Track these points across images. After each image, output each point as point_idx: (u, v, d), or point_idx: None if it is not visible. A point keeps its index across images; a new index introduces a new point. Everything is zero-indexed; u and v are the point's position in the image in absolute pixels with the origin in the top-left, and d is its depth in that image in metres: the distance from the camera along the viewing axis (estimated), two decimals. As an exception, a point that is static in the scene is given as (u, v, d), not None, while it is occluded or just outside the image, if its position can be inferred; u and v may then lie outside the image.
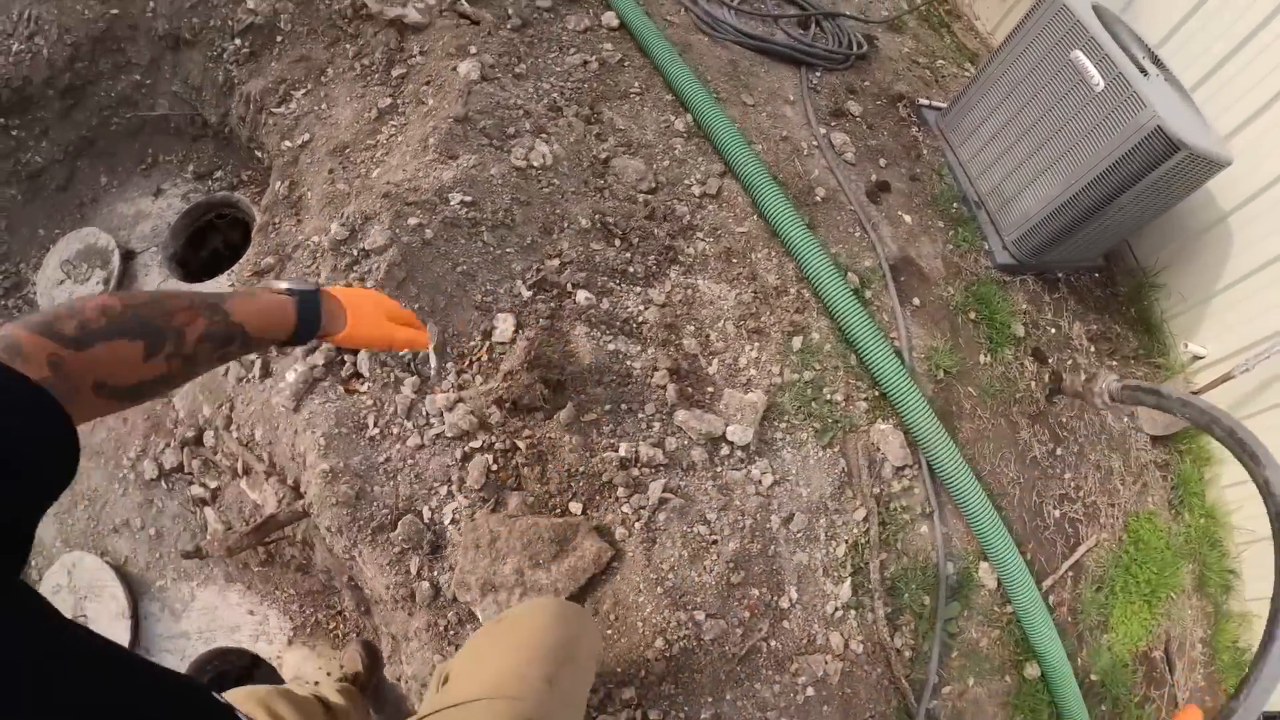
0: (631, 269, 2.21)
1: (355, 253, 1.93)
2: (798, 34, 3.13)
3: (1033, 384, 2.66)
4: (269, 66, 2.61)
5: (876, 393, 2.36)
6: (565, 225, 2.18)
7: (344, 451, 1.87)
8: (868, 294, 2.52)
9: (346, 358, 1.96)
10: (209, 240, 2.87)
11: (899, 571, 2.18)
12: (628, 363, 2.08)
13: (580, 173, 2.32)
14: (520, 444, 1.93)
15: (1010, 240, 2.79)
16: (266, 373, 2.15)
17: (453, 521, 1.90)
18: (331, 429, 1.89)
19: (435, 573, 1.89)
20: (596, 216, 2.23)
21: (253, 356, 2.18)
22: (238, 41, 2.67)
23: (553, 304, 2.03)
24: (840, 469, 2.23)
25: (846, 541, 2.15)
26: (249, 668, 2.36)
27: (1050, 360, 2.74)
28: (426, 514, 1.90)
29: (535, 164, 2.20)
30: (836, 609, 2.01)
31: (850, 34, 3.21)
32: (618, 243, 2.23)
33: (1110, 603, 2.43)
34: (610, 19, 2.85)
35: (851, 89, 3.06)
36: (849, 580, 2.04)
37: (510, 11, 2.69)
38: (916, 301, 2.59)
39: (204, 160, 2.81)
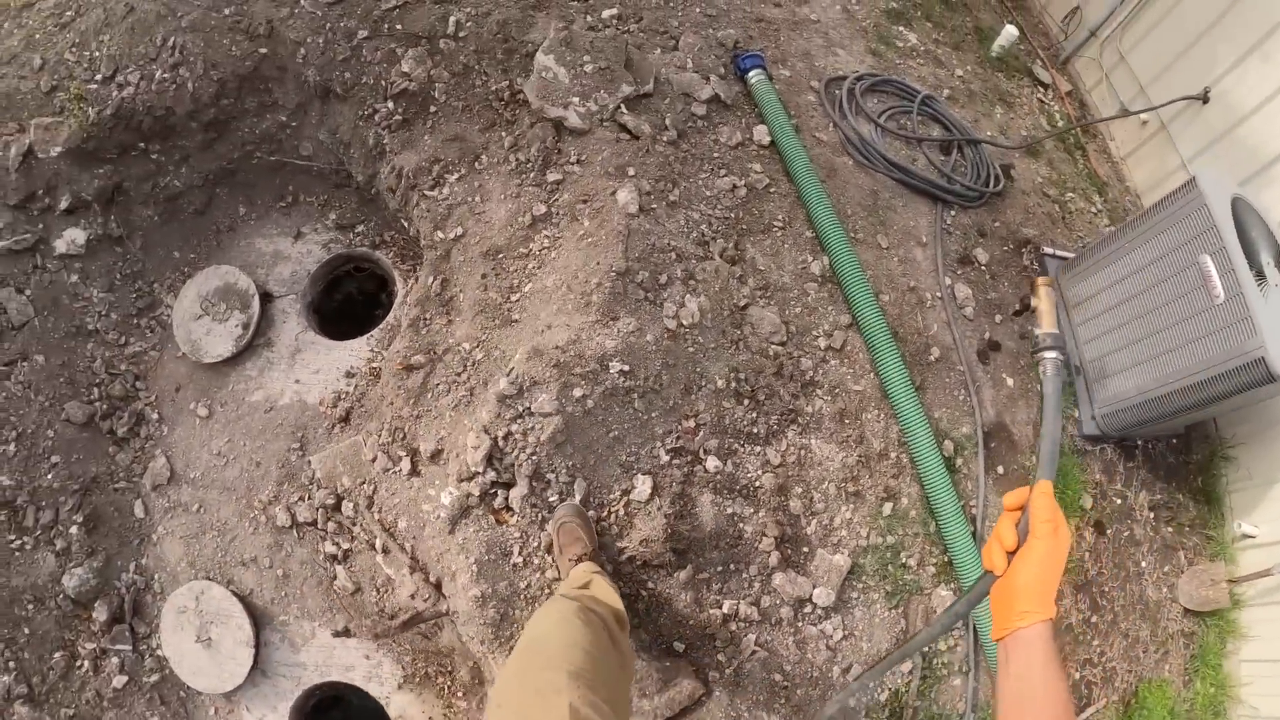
0: (755, 429, 2.38)
1: (520, 409, 2.10)
2: (939, 160, 3.12)
3: (1086, 555, 2.86)
4: (422, 140, 2.67)
5: (946, 558, 2.58)
6: (703, 384, 2.33)
7: (492, 577, 2.12)
8: (959, 461, 2.68)
9: (499, 490, 2.17)
10: (343, 285, 3.00)
11: (928, 718, 2.47)
12: (741, 525, 2.29)
13: (720, 323, 2.44)
14: (644, 593, 2.18)
15: (1100, 414, 2.91)
16: (415, 471, 2.37)
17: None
18: (483, 555, 2.13)
19: (548, 686, 2.19)
20: (731, 374, 2.37)
21: (401, 452, 2.40)
22: (390, 105, 2.70)
23: (686, 469, 2.22)
24: (900, 628, 2.48)
25: (890, 689, 2.43)
26: (336, 696, 2.69)
27: (1108, 532, 2.93)
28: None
29: (685, 323, 2.32)
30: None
31: (990, 164, 3.20)
32: (746, 402, 2.39)
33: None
34: (762, 134, 2.86)
35: (982, 231, 3.08)
36: (887, 727, 2.33)
37: (667, 121, 2.71)
38: (1000, 470, 2.76)
39: (347, 211, 2.90)
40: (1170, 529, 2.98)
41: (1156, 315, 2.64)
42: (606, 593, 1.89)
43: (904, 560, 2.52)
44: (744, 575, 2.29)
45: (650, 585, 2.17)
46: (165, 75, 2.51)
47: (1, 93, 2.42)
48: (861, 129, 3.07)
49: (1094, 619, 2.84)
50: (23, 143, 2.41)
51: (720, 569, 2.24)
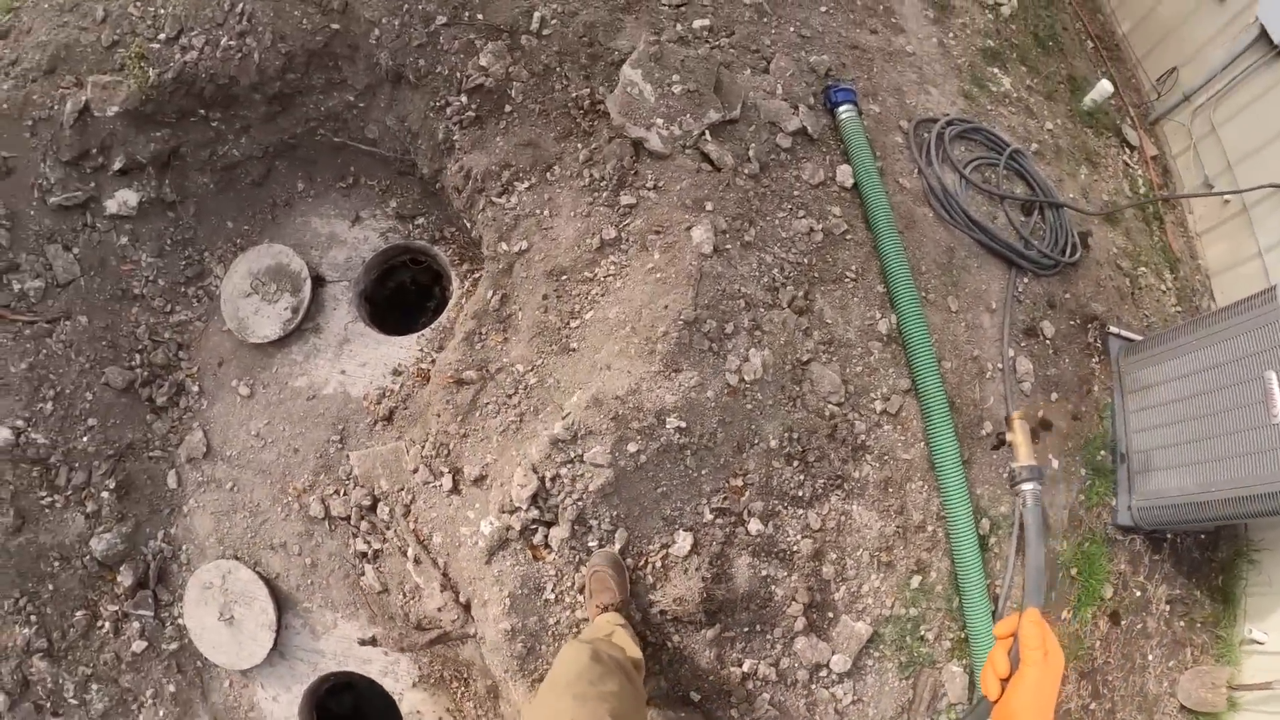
0: (801, 492, 2.35)
1: (572, 455, 2.06)
2: (1019, 221, 3.01)
3: (1097, 644, 2.87)
4: (494, 141, 2.56)
5: (963, 634, 2.59)
6: (756, 442, 2.29)
7: (523, 612, 2.12)
8: (992, 539, 2.66)
9: (540, 528, 2.15)
10: (397, 274, 2.93)
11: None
12: (773, 588, 2.28)
13: (781, 378, 2.38)
14: (669, 644, 2.19)
15: (1137, 506, 2.88)
16: (455, 490, 2.35)
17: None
18: (517, 589, 2.13)
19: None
20: (785, 434, 2.33)
21: (444, 468, 2.37)
22: (464, 99, 2.58)
23: (728, 529, 2.20)
24: (907, 698, 2.50)
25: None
26: (350, 684, 2.74)
27: (1123, 623, 2.93)
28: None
29: (747, 378, 2.27)
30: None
31: (1069, 231, 3.08)
32: (795, 463, 2.35)
33: None
34: (845, 175, 2.74)
35: (1052, 302, 2.99)
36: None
37: (750, 152, 2.60)
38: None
39: (408, 201, 2.80)
40: (1182, 624, 2.99)
41: (1212, 420, 2.58)
42: (626, 642, 1.94)
43: (923, 633, 2.52)
44: (768, 637, 2.29)
45: (676, 639, 2.17)
46: (231, 43, 2.39)
47: (61, 42, 2.30)
48: (946, 179, 2.94)
49: (1093, 705, 2.87)
50: (79, 99, 2.30)
51: (746, 629, 2.24)
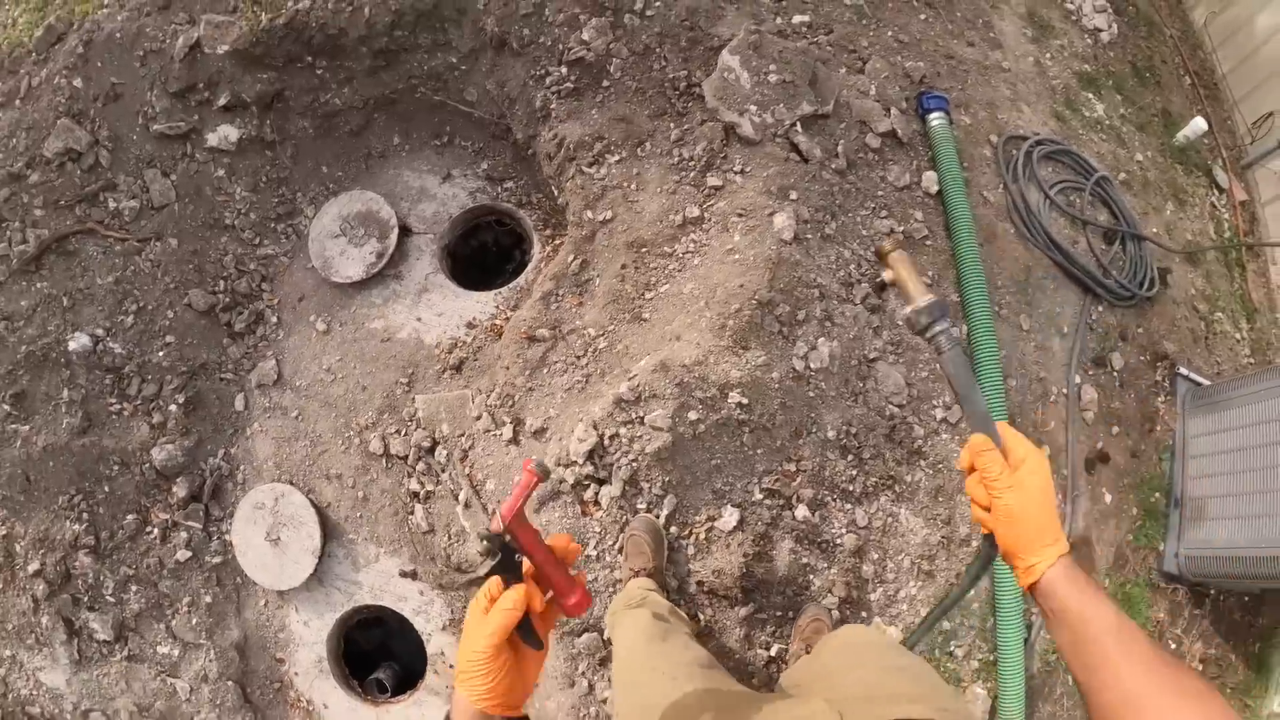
0: (851, 487, 2.35)
1: (633, 416, 2.10)
2: (1100, 249, 2.96)
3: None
4: (589, 113, 2.61)
5: (991, 657, 2.55)
6: (814, 431, 2.30)
7: (563, 566, 2.16)
8: (1037, 565, 2.62)
9: (593, 484, 2.19)
10: (480, 234, 3.00)
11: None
12: (811, 577, 2.28)
13: (846, 372, 2.39)
14: (700, 616, 2.21)
15: (1185, 555, 2.81)
16: (515, 440, 2.40)
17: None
18: (560, 543, 2.17)
19: (595, 677, 2.25)
20: (844, 427, 2.33)
21: (506, 418, 2.43)
22: (564, 70, 2.64)
23: (775, 511, 2.21)
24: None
25: None
26: (380, 619, 2.80)
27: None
28: (606, 634, 2.22)
29: (813, 366, 2.28)
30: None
31: (1149, 264, 3.02)
32: (850, 458, 2.35)
33: None
34: (930, 181, 2.74)
35: (1124, 334, 2.94)
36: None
37: (839, 148, 2.61)
38: (1075, 583, 2.70)
39: (499, 164, 2.87)
40: (1218, 684, 2.91)
41: (1270, 474, 2.51)
42: (659, 602, 1.97)
43: (952, 648, 2.50)
44: (801, 625, 2.29)
45: (709, 611, 2.19)
46: (343, -2, 2.48)
47: None
48: (1030, 197, 2.91)
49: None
50: (191, 35, 2.41)
51: (779, 613, 2.25)
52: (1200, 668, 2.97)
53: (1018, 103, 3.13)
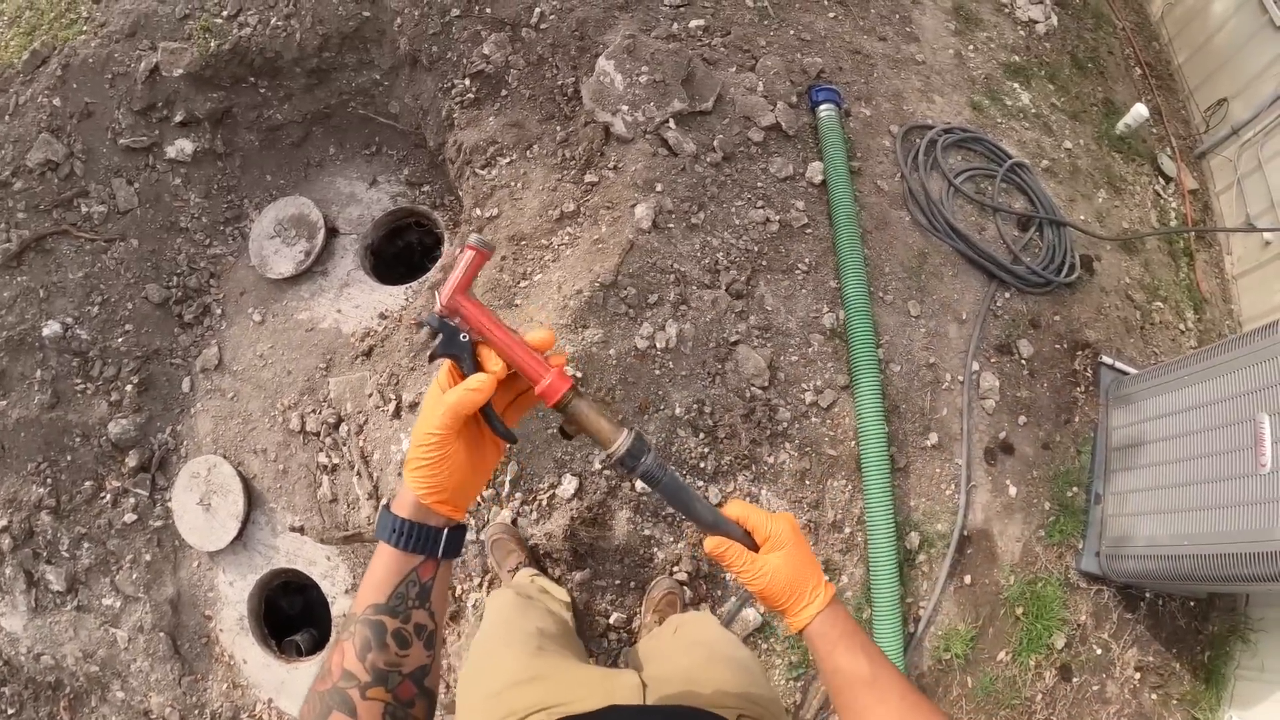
0: (703, 465, 2.40)
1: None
2: (1012, 236, 2.89)
3: (1040, 695, 2.64)
4: (487, 121, 2.83)
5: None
6: (661, 408, 2.37)
7: (418, 530, 2.33)
8: (921, 557, 2.56)
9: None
10: (406, 235, 3.28)
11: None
12: (654, 549, 2.34)
13: (702, 353, 2.45)
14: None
15: (1105, 552, 2.65)
16: (397, 415, 2.61)
17: (473, 606, 2.36)
18: (416, 507, 2.34)
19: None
20: (695, 405, 2.39)
21: (391, 395, 2.65)
22: (467, 82, 2.88)
23: (614, 482, 2.29)
24: (794, 700, 2.43)
25: None
26: (303, 587, 3.03)
27: (1074, 680, 2.68)
28: (459, 592, 2.37)
29: (659, 345, 2.36)
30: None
31: (1069, 251, 2.92)
32: (702, 435, 2.40)
33: None
34: (815, 171, 2.78)
35: (1035, 322, 2.84)
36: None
37: (717, 143, 2.70)
38: (968, 579, 2.60)
39: (418, 170, 3.15)
40: (1154, 696, 2.69)
41: (1192, 465, 2.34)
42: (550, 585, 2.10)
43: (827, 636, 2.46)
44: (643, 595, 2.34)
45: (549, 574, 2.28)
46: (279, 23, 2.83)
47: (142, 11, 2.83)
48: (931, 186, 2.89)
49: (1029, 761, 2.64)
50: (151, 60, 2.81)
51: (619, 582, 2.31)
52: (1137, 676, 2.77)
53: (929, 94, 3.13)
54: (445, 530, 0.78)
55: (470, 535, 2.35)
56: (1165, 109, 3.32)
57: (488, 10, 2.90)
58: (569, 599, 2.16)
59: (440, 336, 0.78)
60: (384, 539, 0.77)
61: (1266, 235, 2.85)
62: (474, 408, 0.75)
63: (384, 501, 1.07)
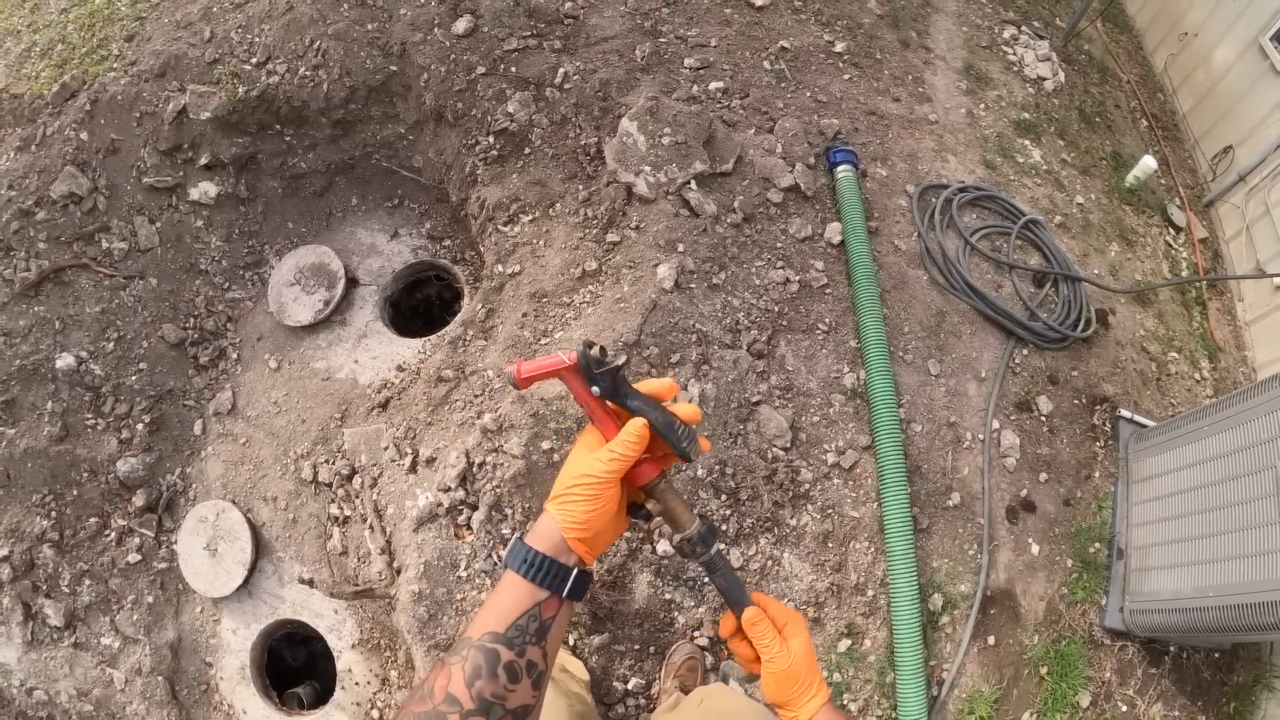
0: (726, 527, 2.38)
1: (496, 445, 2.25)
2: (1028, 293, 2.92)
3: (1068, 760, 2.59)
4: (510, 178, 2.86)
5: (893, 715, 2.44)
6: (683, 469, 2.36)
7: (434, 581, 2.29)
8: (945, 619, 2.52)
9: (466, 509, 2.34)
10: (425, 288, 3.29)
11: None
12: (675, 614, 2.30)
13: (724, 414, 2.45)
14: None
15: (1130, 609, 2.62)
16: (413, 469, 2.59)
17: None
18: (432, 560, 2.30)
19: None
20: (717, 466, 2.38)
21: (408, 449, 2.63)
22: (491, 139, 2.91)
23: (634, 545, 2.27)
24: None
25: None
26: (307, 639, 2.97)
27: (1103, 744, 2.63)
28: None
29: (683, 405, 2.36)
30: None
31: (1084, 306, 2.94)
32: (724, 497, 2.39)
33: None
34: (834, 231, 2.81)
35: (1054, 378, 2.85)
36: None
37: (738, 204, 2.74)
38: (991, 640, 2.56)
39: (440, 224, 3.18)
40: (1179, 758, 2.63)
41: (1215, 516, 2.33)
42: (569, 661, 2.05)
43: (844, 702, 2.42)
44: (662, 660, 2.30)
45: (566, 641, 2.24)
46: (307, 73, 2.87)
47: (172, 53, 2.87)
48: (948, 244, 2.93)
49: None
50: (179, 102, 2.84)
51: (638, 647, 2.27)
52: (1160, 738, 2.72)
53: (943, 153, 3.18)
54: (575, 570, 0.80)
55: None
56: (1172, 159, 3.38)
57: (513, 69, 2.95)
58: (587, 677, 2.12)
59: (602, 381, 0.86)
60: (514, 568, 0.79)
61: (1277, 280, 2.88)
62: (636, 457, 0.83)
63: (517, 534, 1.07)
